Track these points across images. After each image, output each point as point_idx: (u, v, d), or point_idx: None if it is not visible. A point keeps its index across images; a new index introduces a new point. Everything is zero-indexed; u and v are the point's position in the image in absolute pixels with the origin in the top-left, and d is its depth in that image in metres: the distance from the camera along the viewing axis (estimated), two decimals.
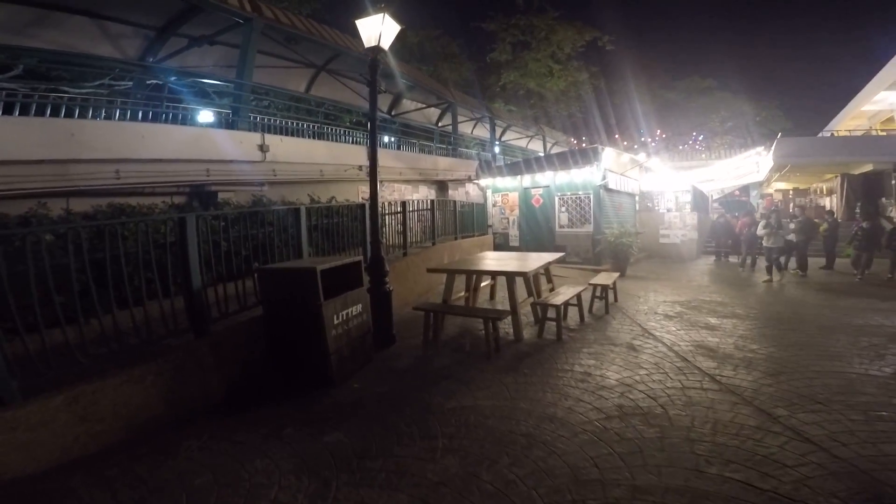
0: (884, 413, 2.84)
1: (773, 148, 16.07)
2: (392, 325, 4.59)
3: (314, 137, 9.69)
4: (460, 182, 13.50)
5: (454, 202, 9.22)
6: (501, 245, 11.48)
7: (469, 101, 16.03)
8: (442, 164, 12.51)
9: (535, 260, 5.34)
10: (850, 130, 19.03)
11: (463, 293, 5.63)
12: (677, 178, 15.00)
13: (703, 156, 24.03)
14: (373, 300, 4.31)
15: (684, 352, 4.17)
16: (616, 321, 5.37)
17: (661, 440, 2.55)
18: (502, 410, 3.01)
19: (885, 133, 17.54)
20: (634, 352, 4.20)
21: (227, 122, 7.87)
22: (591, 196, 10.36)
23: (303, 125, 9.70)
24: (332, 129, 10.59)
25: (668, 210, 13.68)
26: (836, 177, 17.33)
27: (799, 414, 2.84)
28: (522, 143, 20.45)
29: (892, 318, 5.40)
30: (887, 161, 15.39)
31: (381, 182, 7.26)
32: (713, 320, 5.37)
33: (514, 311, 4.70)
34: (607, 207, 10.55)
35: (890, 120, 18.44)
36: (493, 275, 4.97)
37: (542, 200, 11.34)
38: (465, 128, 16.87)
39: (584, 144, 20.01)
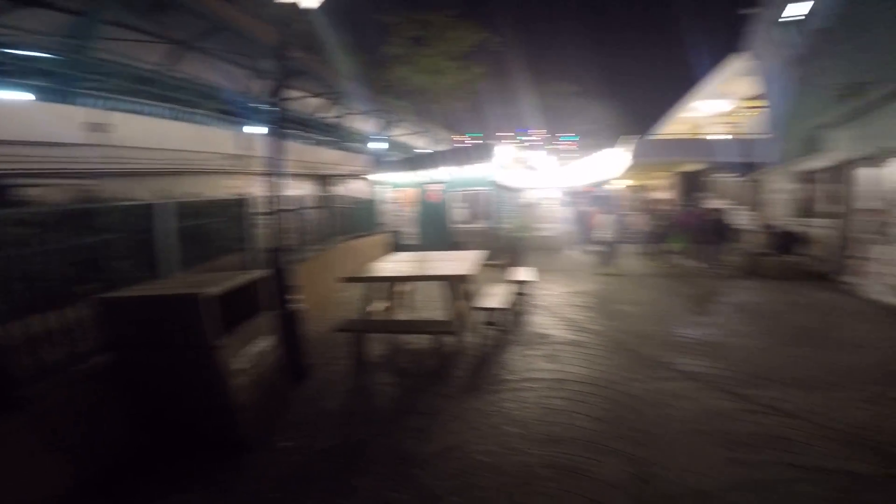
0: None
1: (633, 147, 18.25)
2: (305, 353, 3.63)
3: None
4: (350, 177, 12.47)
5: (351, 198, 8.29)
6: (398, 244, 10.87)
7: (360, 94, 15.00)
8: (329, 158, 11.36)
9: (469, 259, 4.81)
10: (674, 134, 22.63)
11: (383, 303, 4.84)
12: (554, 175, 16.08)
13: (577, 154, 26.50)
14: (279, 327, 3.31)
15: (626, 340, 4.29)
16: (543, 317, 5.29)
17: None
18: (495, 440, 2.57)
19: (694, 136, 21.46)
20: (582, 347, 4.14)
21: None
22: (488, 192, 10.40)
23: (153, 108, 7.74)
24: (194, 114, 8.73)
25: (546, 205, 14.60)
26: (675, 174, 20.41)
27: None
28: (412, 138, 20.10)
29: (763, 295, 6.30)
30: (704, 160, 18.61)
31: (251, 176, 6.09)
32: (627, 308, 5.64)
33: (459, 318, 4.18)
34: (502, 203, 10.74)
35: (699, 126, 22.48)
36: (431, 279, 4.31)
37: (438, 196, 11.03)
38: (356, 122, 15.80)
39: (473, 141, 20.37)
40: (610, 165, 20.14)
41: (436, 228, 10.84)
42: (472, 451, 2.46)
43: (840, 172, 8.30)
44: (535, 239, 13.23)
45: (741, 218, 11.78)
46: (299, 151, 10.19)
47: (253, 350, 2.78)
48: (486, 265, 5.61)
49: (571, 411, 2.86)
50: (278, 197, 3.73)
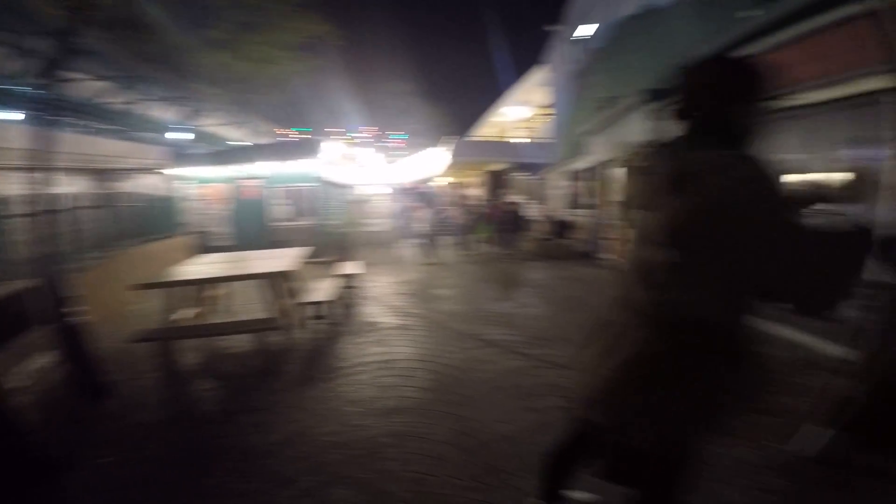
0: None
1: (453, 147, 20.11)
2: (99, 368, 3.27)
3: None
4: (142, 171, 10.77)
5: (143, 196, 7.28)
6: (207, 246, 9.91)
7: (163, 78, 12.87)
8: (113, 150, 9.62)
9: (290, 257, 4.84)
10: (487, 137, 25.80)
11: (192, 310, 4.56)
12: (383, 172, 16.73)
13: (406, 152, 27.69)
14: (60, 342, 2.94)
15: (443, 320, 4.91)
16: (371, 307, 5.61)
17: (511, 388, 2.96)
18: (337, 421, 2.77)
19: (501, 139, 24.92)
20: (406, 330, 4.58)
21: None
22: (313, 187, 10.31)
23: None
24: None
25: (374, 201, 15.24)
26: (485, 172, 23.19)
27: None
28: (225, 130, 18.09)
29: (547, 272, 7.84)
30: (509, 161, 21.74)
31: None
32: (444, 292, 6.41)
33: (284, 315, 4.21)
34: (328, 199, 10.75)
35: (512, 128, 26.10)
36: (248, 279, 4.19)
37: (256, 193, 10.44)
38: (154, 109, 13.49)
39: (299, 135, 19.45)
40: (433, 163, 21.65)
41: (253, 227, 10.21)
42: (317, 434, 2.60)
43: (595, 171, 10.84)
44: (364, 234, 13.59)
45: (532, 210, 14.22)
46: (74, 142, 8.39)
47: (31, 367, 2.45)
48: (311, 262, 5.71)
49: (402, 386, 3.24)
50: (43, 196, 3.22)
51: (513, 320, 4.89)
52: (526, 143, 23.07)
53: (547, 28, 15.59)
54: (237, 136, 18.59)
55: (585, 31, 12.62)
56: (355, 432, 2.63)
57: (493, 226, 11.17)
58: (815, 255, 1.03)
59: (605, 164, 10.13)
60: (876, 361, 2.10)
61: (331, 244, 9.77)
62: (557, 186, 14.88)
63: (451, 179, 27.81)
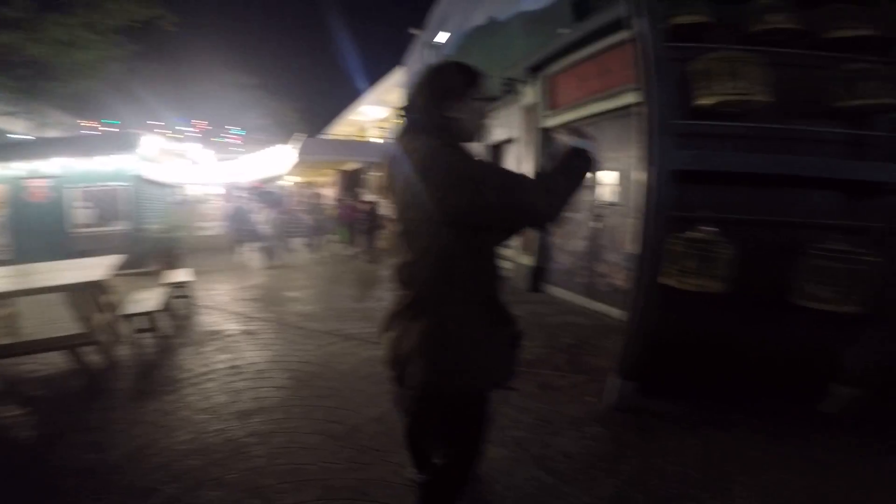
0: None
1: (299, 145, 19.12)
2: None
3: None
4: None
5: None
6: None
7: None
8: None
9: (97, 266, 4.02)
10: (342, 135, 25.36)
11: None
12: (216, 170, 15.08)
13: (242, 149, 25.18)
14: None
15: (295, 321, 4.76)
16: (210, 315, 5.12)
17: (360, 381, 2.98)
18: (191, 429, 2.56)
19: (360, 138, 24.76)
20: (254, 335, 4.32)
21: None
22: (127, 188, 8.73)
23: None
24: None
25: (207, 202, 13.67)
26: (339, 172, 22.67)
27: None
28: (7, 122, 13.90)
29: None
30: (364, 160, 21.73)
31: None
32: (293, 295, 6.17)
33: (99, 330, 3.55)
34: (147, 200, 9.25)
35: (365, 128, 26.04)
36: (43, 293, 3.32)
37: (49, 195, 8.43)
38: None
39: (109, 129, 16.07)
40: (278, 162, 20.40)
41: (46, 235, 8.19)
42: (170, 444, 2.38)
43: None
44: (196, 239, 12.05)
45: (387, 209, 14.49)
46: None
47: None
48: (131, 272, 4.91)
49: (257, 388, 3.09)
50: None
51: (369, 315, 4.99)
52: (381, 143, 23.32)
53: (412, 31, 16.01)
54: (20, 128, 14.55)
55: (441, 37, 13.22)
56: (213, 437, 2.47)
57: (348, 226, 11.08)
58: (539, 185, 1.16)
59: None
60: (634, 321, 2.70)
61: (154, 251, 8.43)
62: None
63: (301, 179, 26.58)
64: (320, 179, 26.37)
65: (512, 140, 7.00)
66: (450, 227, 1.18)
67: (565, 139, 1.29)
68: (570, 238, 5.75)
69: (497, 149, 7.83)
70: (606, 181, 5.05)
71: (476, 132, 1.32)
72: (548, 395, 3.00)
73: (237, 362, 3.60)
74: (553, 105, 6.00)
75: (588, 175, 1.25)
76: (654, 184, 2.50)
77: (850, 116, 2.58)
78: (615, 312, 4.56)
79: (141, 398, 2.99)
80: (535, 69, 6.24)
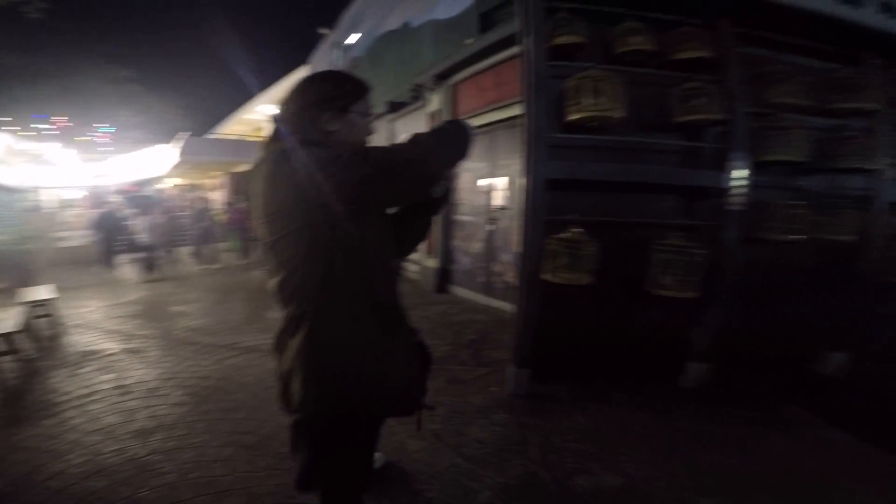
0: None
1: (181, 145, 17.48)
2: None
3: None
4: None
5: None
6: None
7: None
8: None
9: None
10: (232, 135, 23.62)
11: None
12: (79, 172, 13.29)
13: (112, 149, 22.29)
14: None
15: (185, 336, 4.52)
16: (84, 335, 4.64)
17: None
18: (84, 452, 2.39)
19: (254, 139, 23.38)
20: (139, 353, 4.04)
21: None
22: None
23: None
24: None
25: (68, 208, 12.01)
26: (232, 173, 21.09)
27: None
28: None
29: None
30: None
31: None
32: (180, 309, 5.79)
33: None
34: None
35: (260, 128, 24.55)
36: None
37: None
38: None
39: None
40: (156, 163, 18.55)
41: None
42: (64, 468, 2.21)
43: None
44: (56, 251, 10.51)
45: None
46: None
47: None
48: None
49: (152, 406, 2.92)
50: None
51: (269, 325, 4.85)
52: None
53: (320, 31, 15.38)
54: None
55: (352, 38, 12.87)
56: (113, 457, 2.33)
57: (240, 233, 10.40)
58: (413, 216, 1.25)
59: None
60: (521, 314, 3.02)
61: (3, 266, 7.23)
62: None
63: (184, 181, 24.38)
64: (208, 182, 24.40)
65: None
66: (320, 225, 1.09)
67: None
68: (469, 240, 6.13)
69: None
70: (499, 186, 5.50)
71: (354, 143, 1.22)
72: (457, 388, 3.23)
73: (124, 382, 3.36)
74: (456, 112, 6.35)
75: (466, 139, 1.24)
76: (532, 191, 2.85)
77: (687, 129, 3.15)
78: (510, 308, 4.97)
79: (13, 425, 2.70)
80: (442, 77, 6.54)
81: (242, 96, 22.67)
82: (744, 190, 3.01)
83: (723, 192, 3.02)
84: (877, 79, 3.31)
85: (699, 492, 2.08)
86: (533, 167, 2.85)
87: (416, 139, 1.16)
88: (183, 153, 17.22)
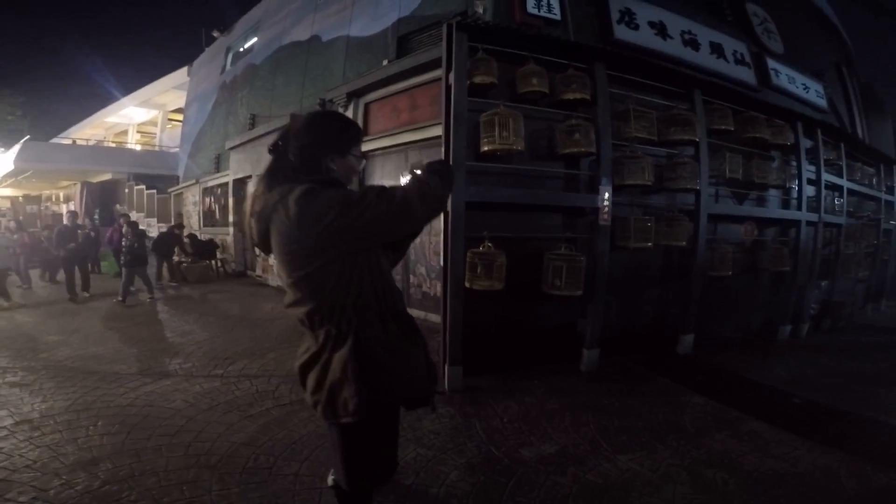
0: None
1: (16, 151, 15.18)
2: None
3: None
4: None
5: None
6: None
7: None
8: None
9: None
10: (87, 139, 20.91)
11: None
12: None
13: None
14: None
15: (82, 366, 4.32)
16: None
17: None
18: (27, 484, 2.31)
19: (118, 145, 20.82)
20: (26, 386, 3.81)
21: None
22: None
23: None
24: None
25: None
26: (76, 183, 18.54)
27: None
28: None
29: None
30: (124, 171, 18.48)
31: None
32: (54, 337, 5.42)
33: None
34: None
35: (124, 133, 21.96)
36: None
37: None
38: None
39: None
40: None
41: None
42: None
43: (233, 188, 10.98)
44: None
45: (165, 230, 12.80)
46: None
47: None
48: None
49: (78, 438, 2.86)
50: None
51: (183, 349, 4.87)
52: (151, 151, 20.11)
53: (214, 34, 14.35)
54: None
55: (248, 44, 12.36)
56: (64, 491, 2.29)
57: (115, 253, 9.39)
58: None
59: (241, 182, 10.63)
60: (449, 318, 3.58)
61: None
62: (195, 203, 13.99)
63: (22, 192, 21.12)
64: (58, 192, 21.39)
65: None
66: (346, 256, 1.25)
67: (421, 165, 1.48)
68: None
69: None
70: None
71: (347, 183, 1.42)
72: None
73: (27, 417, 3.18)
74: (367, 131, 6.75)
75: (453, 178, 1.47)
76: (454, 212, 3.47)
77: (569, 159, 4.04)
78: (431, 316, 5.54)
79: None
80: (355, 94, 6.90)
81: (104, 97, 20.15)
82: (608, 208, 3.99)
83: (595, 210, 3.97)
84: (700, 113, 4.58)
85: (614, 450, 2.77)
86: (455, 192, 3.48)
87: (423, 179, 1.35)
88: (20, 160, 14.95)
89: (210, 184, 12.65)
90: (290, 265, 1.27)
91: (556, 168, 4.07)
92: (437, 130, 4.45)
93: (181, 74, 16.98)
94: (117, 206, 17.52)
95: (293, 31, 9.92)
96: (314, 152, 1.32)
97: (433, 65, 5.19)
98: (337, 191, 1.26)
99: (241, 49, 12.67)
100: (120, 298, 7.42)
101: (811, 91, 7.73)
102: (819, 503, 2.28)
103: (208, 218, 12.83)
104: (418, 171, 1.42)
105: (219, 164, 12.29)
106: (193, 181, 13.77)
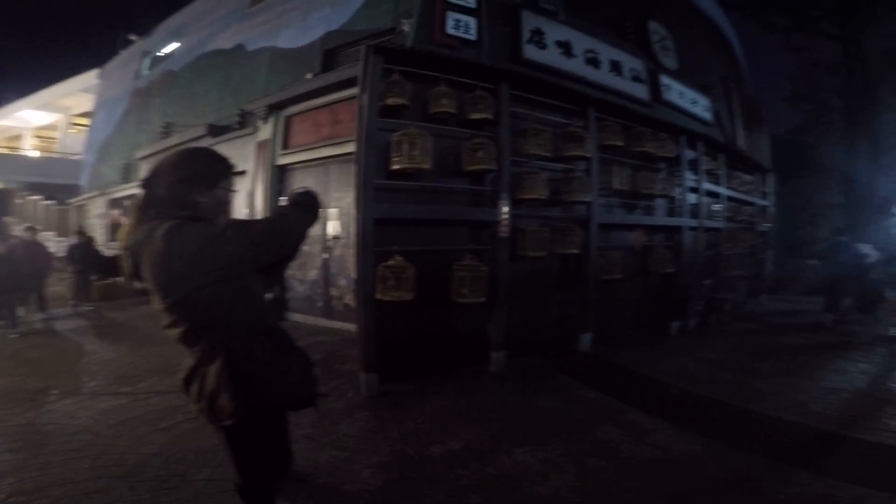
0: None
1: None
2: None
3: None
4: None
5: None
6: None
7: None
8: None
9: None
10: None
11: None
12: None
13: None
14: None
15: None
16: None
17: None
18: None
19: (10, 151, 19.06)
20: None
21: None
22: None
23: None
24: None
25: None
26: None
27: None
28: None
29: None
30: (17, 180, 16.98)
31: None
32: None
33: None
34: None
35: (18, 138, 20.06)
36: None
37: None
38: None
39: None
40: None
41: None
42: None
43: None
44: None
45: (77, 241, 11.95)
46: None
47: None
48: None
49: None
50: None
51: (87, 368, 4.84)
52: (47, 159, 18.60)
53: (130, 37, 13.49)
54: None
55: (168, 49, 11.90)
56: None
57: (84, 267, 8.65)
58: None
59: None
60: (363, 328, 3.91)
61: None
62: (99, 215, 13.16)
63: None
64: None
65: (244, 172, 7.43)
66: (217, 282, 1.35)
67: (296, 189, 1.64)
68: (304, 269, 6.72)
69: None
70: (333, 217, 6.20)
71: (217, 215, 1.52)
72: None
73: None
74: (288, 144, 6.86)
75: (318, 208, 1.60)
76: (363, 228, 3.82)
77: (474, 176, 4.50)
78: (352, 326, 5.77)
79: None
80: (276, 107, 6.95)
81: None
82: (508, 221, 4.51)
83: (496, 223, 4.48)
84: (593, 130, 5.22)
85: (512, 444, 3.06)
86: (363, 208, 3.81)
87: (284, 212, 1.54)
88: None
89: (117, 195, 12.01)
90: (161, 293, 1.37)
91: (462, 184, 4.51)
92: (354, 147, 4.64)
93: (90, 77, 15.97)
94: (6, 219, 16.06)
95: (217, 39, 9.79)
96: (183, 188, 1.42)
97: (355, 81, 5.33)
98: (201, 227, 1.36)
99: (160, 54, 12.24)
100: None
101: (699, 105, 8.49)
102: (685, 485, 2.62)
103: (115, 232, 12.14)
104: (284, 202, 1.59)
105: (128, 175, 11.71)
106: (98, 192, 12.97)
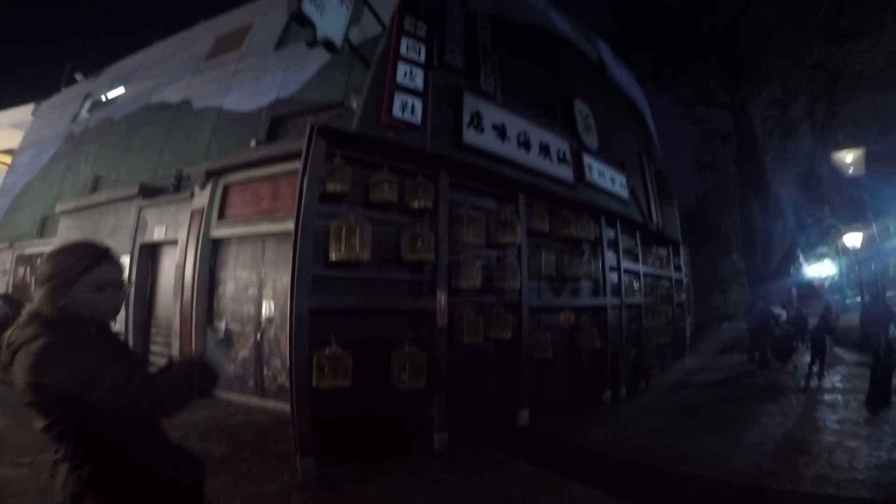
0: None
1: None
2: None
3: None
4: None
5: None
6: None
7: None
8: None
9: None
10: None
11: None
12: None
13: None
14: None
15: None
16: None
17: None
18: None
19: None
20: None
21: None
22: None
23: None
24: None
25: None
26: None
27: None
28: None
29: None
30: None
31: None
32: None
33: None
34: None
35: None
36: None
37: None
38: None
39: None
40: None
41: None
42: None
43: None
44: None
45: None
46: None
47: None
48: None
49: None
50: None
51: None
52: None
53: (77, 77, 12.80)
54: None
55: (112, 94, 11.45)
56: None
57: None
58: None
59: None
60: (299, 415, 3.83)
61: None
62: (5, 271, 11.84)
63: None
64: None
65: (176, 242, 7.04)
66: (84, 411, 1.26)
67: (211, 341, 1.51)
68: (238, 348, 6.31)
69: (155, 249, 7.69)
70: (268, 297, 6.06)
71: (96, 315, 1.41)
72: (249, 481, 3.72)
73: None
74: (224, 215, 6.57)
75: (206, 388, 1.45)
76: (298, 318, 3.86)
77: (413, 265, 4.66)
78: (285, 406, 5.54)
79: None
80: (216, 173, 6.63)
81: None
82: (445, 311, 4.71)
83: (434, 312, 4.65)
84: (523, 216, 5.59)
85: None
86: (298, 299, 3.84)
87: (168, 380, 1.37)
88: None
89: (28, 251, 10.89)
90: (32, 409, 1.32)
91: (401, 274, 4.68)
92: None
93: (24, 112, 14.81)
94: None
95: (165, 91, 9.56)
96: (46, 290, 1.33)
97: (299, 155, 5.11)
98: (75, 359, 1.25)
99: (103, 99, 11.70)
100: None
101: (616, 183, 8.47)
102: None
103: (19, 293, 10.86)
104: (177, 363, 1.50)
105: (44, 229, 10.70)
106: (6, 244, 11.71)
